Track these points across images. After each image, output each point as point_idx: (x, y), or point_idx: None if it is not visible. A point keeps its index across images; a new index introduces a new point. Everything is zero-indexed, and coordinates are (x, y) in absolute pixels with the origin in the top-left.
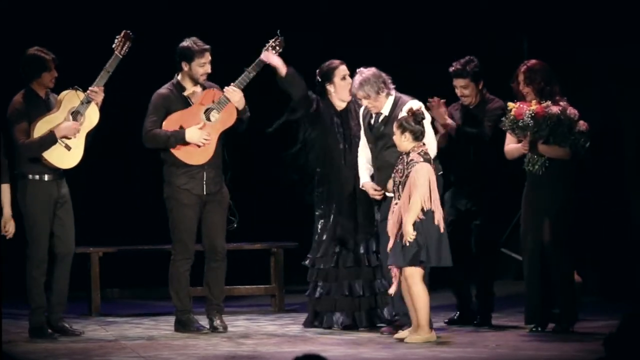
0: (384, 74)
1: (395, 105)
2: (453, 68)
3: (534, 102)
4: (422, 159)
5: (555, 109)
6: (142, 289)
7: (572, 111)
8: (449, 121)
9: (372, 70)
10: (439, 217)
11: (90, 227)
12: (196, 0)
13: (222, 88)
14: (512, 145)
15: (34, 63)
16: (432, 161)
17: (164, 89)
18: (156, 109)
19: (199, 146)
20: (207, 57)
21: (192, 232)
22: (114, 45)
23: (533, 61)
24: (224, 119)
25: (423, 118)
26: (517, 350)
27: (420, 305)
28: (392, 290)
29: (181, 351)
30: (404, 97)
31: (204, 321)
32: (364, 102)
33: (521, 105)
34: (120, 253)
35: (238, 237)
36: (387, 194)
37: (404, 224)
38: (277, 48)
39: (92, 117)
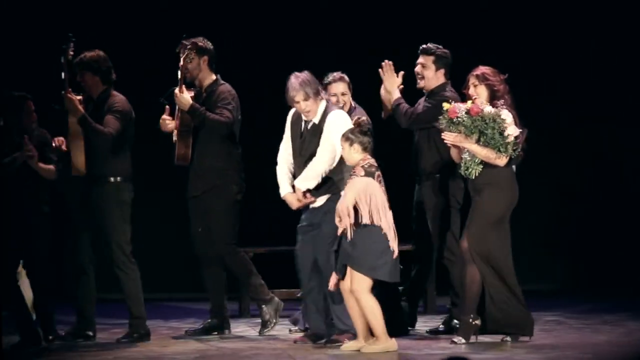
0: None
1: (325, 114)
2: (423, 46)
3: (469, 102)
4: (363, 172)
5: (488, 109)
6: (293, 289)
7: (506, 114)
8: (397, 94)
9: (307, 73)
10: (387, 233)
11: (241, 228)
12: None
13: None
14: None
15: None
16: (376, 175)
17: None
18: None
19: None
20: None
21: None
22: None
23: (484, 68)
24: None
25: (369, 127)
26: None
27: (374, 316)
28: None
29: (330, 352)
30: (331, 105)
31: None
32: (302, 106)
33: (456, 104)
34: (271, 253)
35: None
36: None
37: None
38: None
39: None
